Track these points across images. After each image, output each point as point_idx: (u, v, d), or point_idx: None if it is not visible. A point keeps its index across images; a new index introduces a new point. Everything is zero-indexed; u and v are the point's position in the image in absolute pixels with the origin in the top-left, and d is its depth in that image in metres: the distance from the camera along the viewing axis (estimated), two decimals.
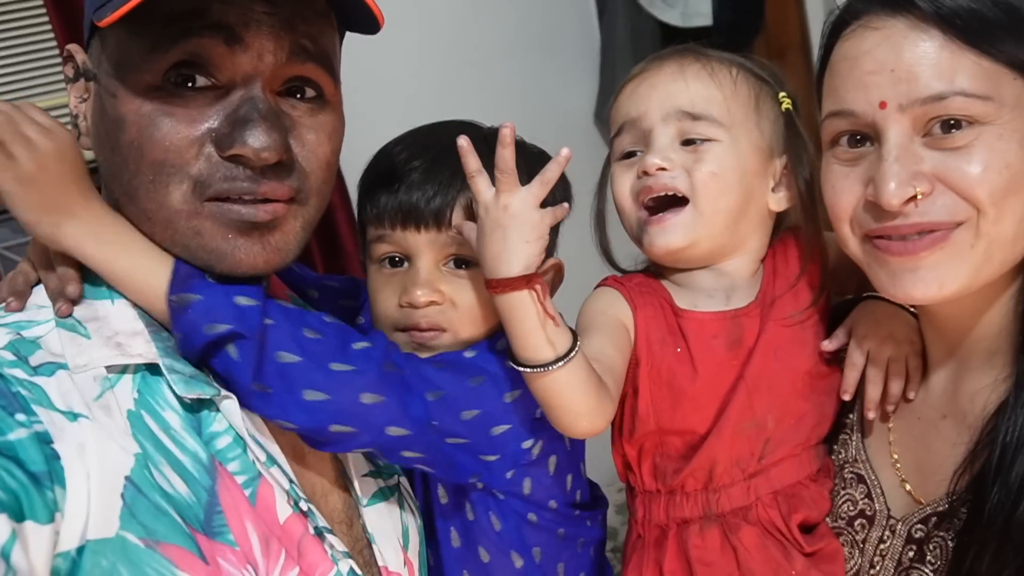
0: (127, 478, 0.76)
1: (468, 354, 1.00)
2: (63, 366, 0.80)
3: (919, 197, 0.84)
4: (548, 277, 1.06)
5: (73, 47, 0.90)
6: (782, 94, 1.06)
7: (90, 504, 0.73)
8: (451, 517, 1.04)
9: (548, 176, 0.91)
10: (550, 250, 1.06)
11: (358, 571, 0.89)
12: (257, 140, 0.80)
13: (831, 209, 0.94)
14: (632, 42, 2.75)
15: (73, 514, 0.72)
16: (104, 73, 0.84)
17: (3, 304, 0.86)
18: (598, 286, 1.08)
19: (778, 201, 1.06)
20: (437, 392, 0.93)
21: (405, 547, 1.00)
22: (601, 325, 1.01)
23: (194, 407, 0.84)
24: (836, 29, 0.93)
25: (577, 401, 0.92)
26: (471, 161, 0.91)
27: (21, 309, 0.84)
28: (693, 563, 1.02)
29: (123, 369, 0.82)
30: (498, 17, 2.77)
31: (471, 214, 0.97)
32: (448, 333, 1.01)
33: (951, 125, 0.84)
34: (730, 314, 1.03)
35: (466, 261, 1.02)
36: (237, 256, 0.84)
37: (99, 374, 0.81)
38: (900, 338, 1.01)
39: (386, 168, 1.04)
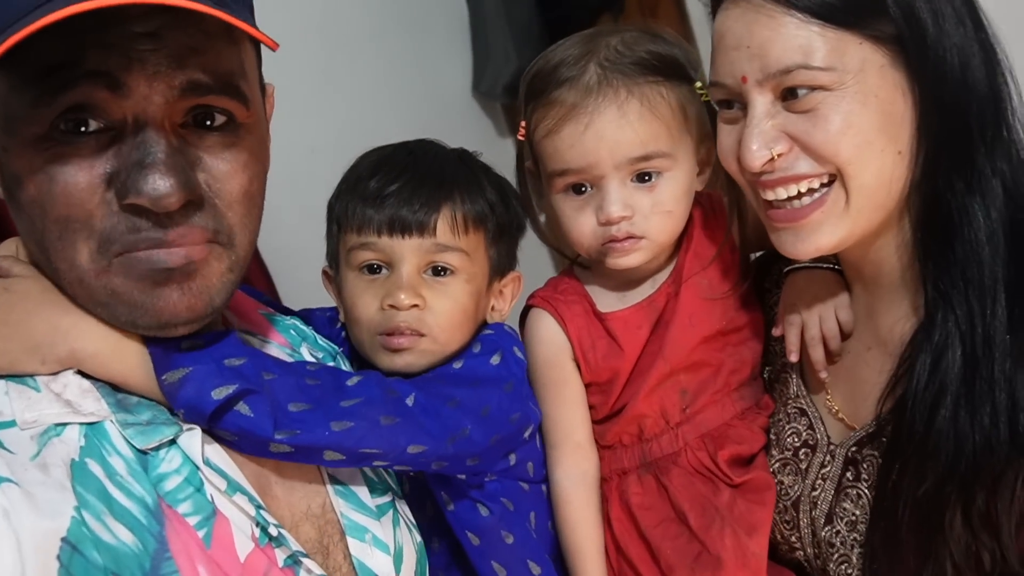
0: (63, 539, 0.72)
1: (456, 365, 1.08)
2: (9, 424, 0.77)
3: (776, 158, 0.93)
4: (509, 289, 1.16)
5: None
6: (698, 84, 1.09)
7: (24, 571, 0.69)
8: (464, 520, 1.08)
9: None
10: (510, 262, 1.16)
11: None
12: (153, 187, 0.73)
13: (724, 163, 1.02)
14: (506, 8, 2.75)
15: None
16: None
17: None
18: (530, 304, 1.17)
19: (702, 181, 1.13)
20: (454, 400, 0.99)
21: (397, 569, 0.95)
22: (556, 383, 1.13)
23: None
24: (715, 4, 0.99)
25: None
26: None
27: None
28: (634, 509, 1.11)
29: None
30: (363, 0, 2.73)
31: (454, 224, 1.07)
32: (426, 339, 1.07)
33: (800, 91, 0.91)
34: (646, 301, 1.13)
35: (445, 268, 1.08)
36: (156, 306, 0.78)
37: (40, 431, 0.77)
38: (823, 297, 1.09)
39: (369, 183, 1.09)
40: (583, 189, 1.09)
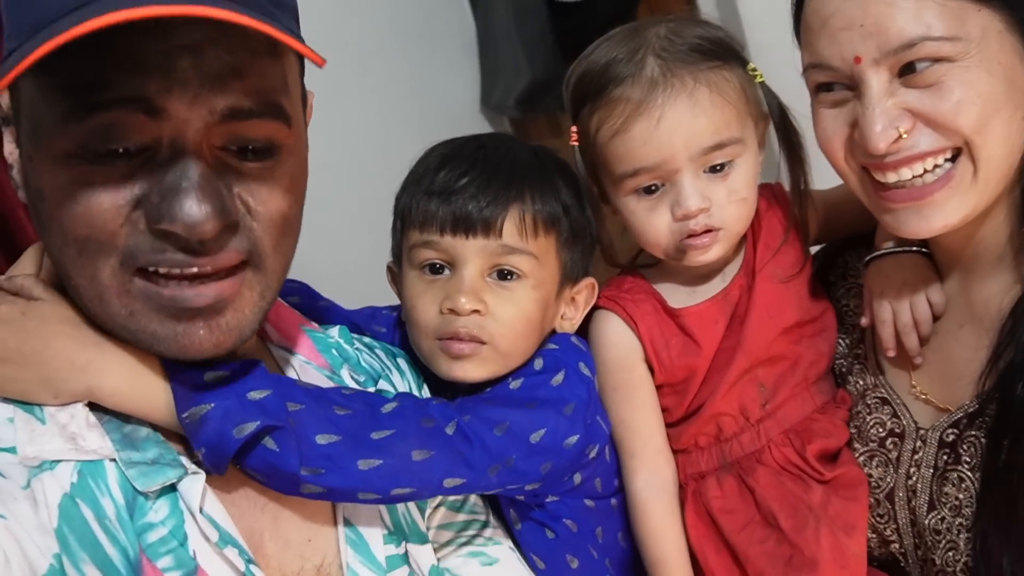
0: None
1: (513, 384, 1.02)
2: (9, 450, 0.74)
3: (903, 137, 0.90)
4: (583, 297, 1.10)
5: (3, 98, 0.78)
6: (751, 66, 1.08)
7: None
8: (529, 543, 1.05)
9: None
10: (585, 268, 1.10)
11: None
12: (189, 214, 0.69)
13: (826, 149, 1.00)
14: (516, 22, 2.74)
15: None
16: (23, 132, 0.74)
17: None
18: (597, 307, 1.12)
19: (761, 163, 1.10)
20: (503, 425, 0.94)
21: None
22: (628, 387, 1.09)
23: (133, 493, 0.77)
24: None
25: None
26: None
27: None
28: (715, 514, 1.06)
29: None
30: (371, 14, 2.72)
31: (522, 225, 1.02)
32: (487, 347, 1.01)
33: (922, 64, 0.89)
34: (720, 295, 1.10)
35: (511, 272, 1.02)
36: (180, 343, 0.74)
37: (35, 462, 0.75)
38: (914, 282, 1.06)
39: (435, 177, 1.04)
40: (653, 188, 1.05)
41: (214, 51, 0.69)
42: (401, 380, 1.04)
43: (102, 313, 0.75)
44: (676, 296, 1.11)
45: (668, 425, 1.11)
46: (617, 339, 1.10)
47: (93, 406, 0.79)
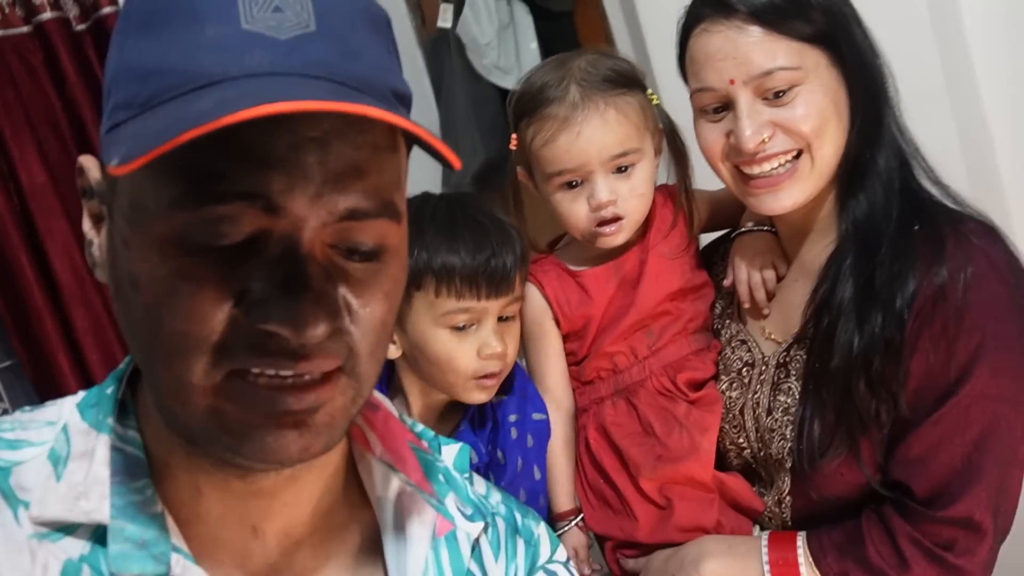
0: None
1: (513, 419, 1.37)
2: (24, 504, 0.70)
3: (765, 140, 1.20)
4: None
5: (86, 160, 0.73)
6: (650, 91, 1.36)
7: None
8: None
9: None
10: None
11: None
12: (298, 320, 0.62)
13: (707, 153, 1.27)
14: (474, 109, 3.07)
15: None
16: (118, 210, 0.67)
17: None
18: None
19: (657, 167, 1.42)
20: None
21: None
22: (538, 338, 1.41)
23: None
24: (686, 30, 1.27)
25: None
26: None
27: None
28: (608, 427, 1.36)
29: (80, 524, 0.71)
30: None
31: (523, 277, 1.32)
32: (504, 370, 1.32)
33: (779, 92, 1.20)
34: (613, 263, 1.40)
35: (510, 317, 1.32)
36: (268, 445, 0.66)
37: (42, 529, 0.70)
38: (763, 250, 1.38)
39: (456, 253, 1.25)
40: (574, 184, 1.34)
41: (339, 146, 0.63)
42: (507, 537, 0.94)
43: (182, 414, 0.67)
44: (579, 265, 1.42)
45: (574, 364, 1.41)
46: (530, 301, 1.40)
47: (117, 458, 0.73)
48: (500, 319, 1.30)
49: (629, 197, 1.33)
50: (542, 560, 0.93)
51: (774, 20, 1.17)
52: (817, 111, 1.18)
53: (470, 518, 0.88)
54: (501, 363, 1.28)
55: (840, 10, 1.20)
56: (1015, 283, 1.15)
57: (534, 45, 2.93)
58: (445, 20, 3.16)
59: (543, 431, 1.39)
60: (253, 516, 0.75)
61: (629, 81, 1.34)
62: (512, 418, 1.37)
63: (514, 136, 1.40)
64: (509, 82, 2.98)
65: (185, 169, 0.61)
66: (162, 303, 0.63)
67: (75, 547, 0.70)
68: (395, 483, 0.84)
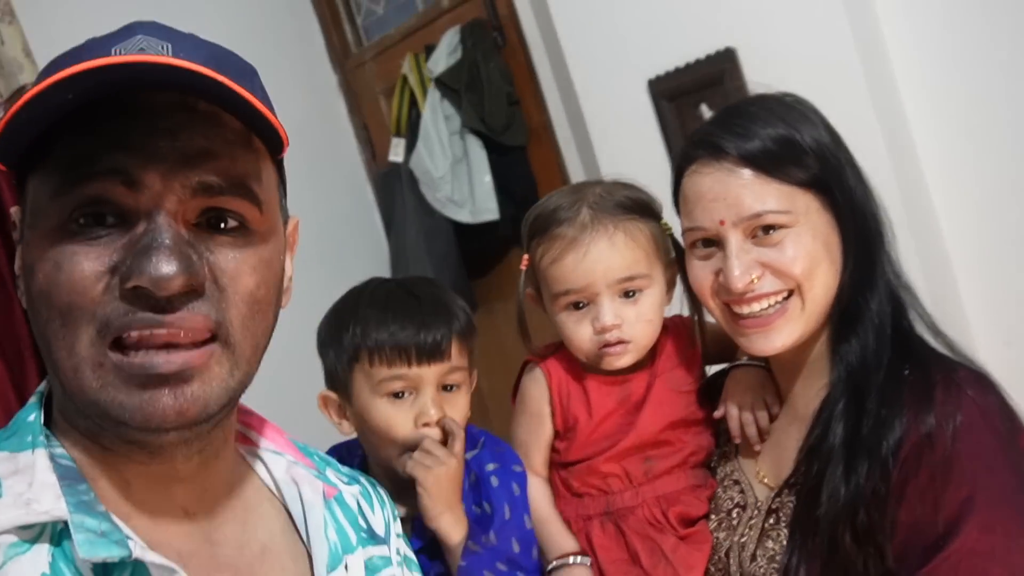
0: None
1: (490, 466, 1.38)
2: None
3: (755, 280, 1.20)
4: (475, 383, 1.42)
5: (15, 209, 0.84)
6: (663, 221, 1.38)
7: None
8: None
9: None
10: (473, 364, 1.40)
11: None
12: (155, 268, 0.72)
13: (697, 290, 1.29)
14: (426, 242, 3.05)
15: None
16: (27, 228, 0.79)
17: None
18: (528, 361, 1.46)
19: (669, 298, 1.44)
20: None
21: None
22: (531, 417, 1.41)
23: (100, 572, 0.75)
24: (680, 170, 1.31)
25: None
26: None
27: None
28: (595, 547, 1.34)
29: (41, 530, 0.75)
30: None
31: (460, 346, 1.33)
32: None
33: (768, 229, 1.19)
34: (621, 378, 1.39)
35: (453, 385, 1.34)
36: (145, 410, 0.74)
37: (8, 540, 0.73)
38: (755, 386, 1.39)
39: (387, 323, 1.29)
40: (581, 305, 1.34)
41: (190, 134, 0.76)
42: (373, 492, 1.13)
43: (75, 387, 0.76)
44: (590, 369, 1.40)
45: (562, 465, 1.39)
46: (536, 382, 1.41)
47: (57, 468, 0.78)
48: (445, 388, 1.31)
49: (636, 322, 1.34)
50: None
51: (765, 165, 1.19)
52: (806, 253, 1.19)
53: (348, 483, 1.07)
54: (433, 434, 1.29)
55: (833, 155, 1.22)
56: (1008, 435, 1.12)
57: (488, 178, 2.95)
58: (396, 154, 3.21)
59: (527, 482, 1.38)
60: (181, 499, 0.85)
61: (642, 208, 1.36)
62: (490, 467, 1.36)
63: (525, 256, 1.42)
64: (463, 215, 3.00)
65: (62, 161, 0.75)
66: (51, 281, 0.74)
67: (41, 553, 0.74)
68: (282, 463, 0.98)
